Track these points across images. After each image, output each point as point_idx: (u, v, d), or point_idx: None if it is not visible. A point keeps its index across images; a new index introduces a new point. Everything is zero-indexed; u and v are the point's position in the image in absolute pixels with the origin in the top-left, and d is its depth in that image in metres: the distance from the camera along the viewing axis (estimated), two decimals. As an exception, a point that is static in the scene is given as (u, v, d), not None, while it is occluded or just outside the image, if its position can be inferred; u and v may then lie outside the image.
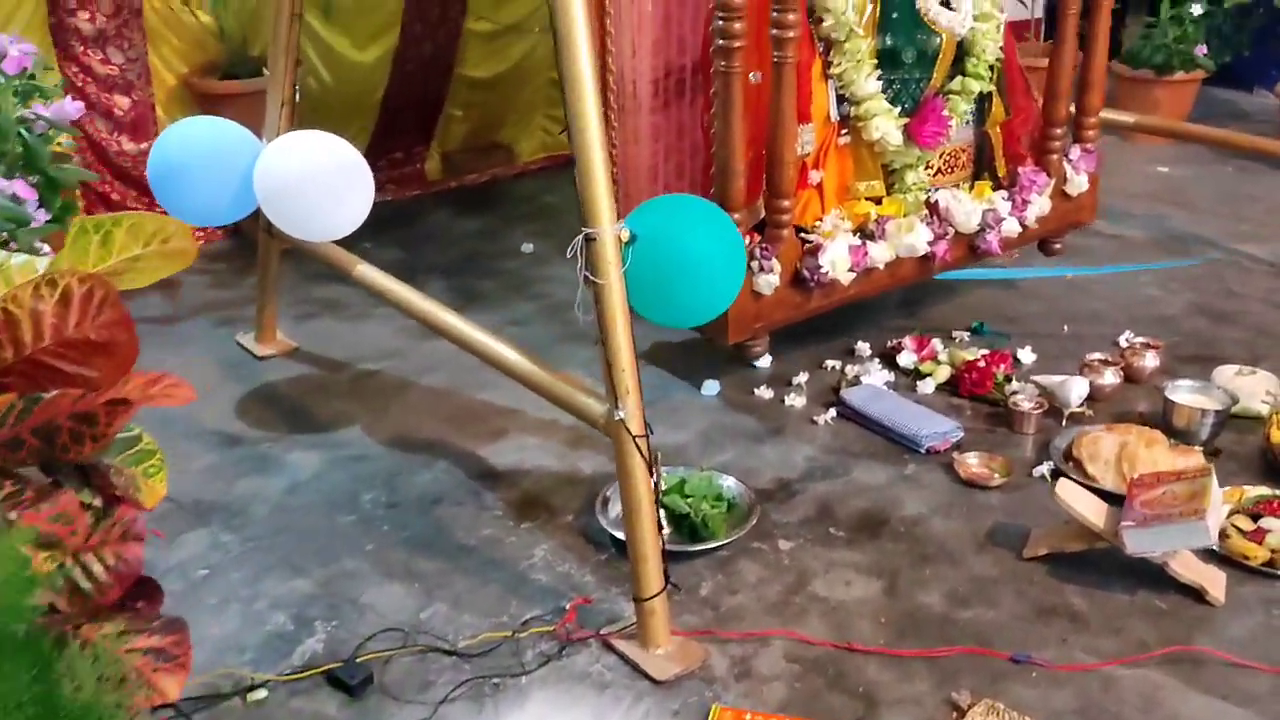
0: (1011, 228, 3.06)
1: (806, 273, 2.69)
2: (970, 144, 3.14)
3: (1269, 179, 4.43)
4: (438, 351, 2.96)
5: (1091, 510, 2.18)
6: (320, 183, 2.54)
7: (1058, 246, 3.38)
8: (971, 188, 3.11)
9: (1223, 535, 2.20)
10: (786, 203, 2.63)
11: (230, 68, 3.66)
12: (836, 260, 2.73)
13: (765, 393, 2.86)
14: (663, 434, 2.68)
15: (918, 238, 2.85)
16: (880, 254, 2.82)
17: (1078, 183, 3.24)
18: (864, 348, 3.07)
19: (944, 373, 2.90)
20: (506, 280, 3.62)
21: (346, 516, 2.40)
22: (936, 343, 3.04)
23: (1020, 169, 3.15)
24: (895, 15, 2.89)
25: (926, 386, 2.88)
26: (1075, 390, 2.71)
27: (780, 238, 2.66)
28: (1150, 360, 2.90)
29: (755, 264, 2.62)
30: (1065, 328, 3.22)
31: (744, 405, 2.83)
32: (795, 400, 2.82)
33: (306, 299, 3.49)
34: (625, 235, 1.90)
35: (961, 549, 2.27)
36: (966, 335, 3.16)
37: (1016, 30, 5.14)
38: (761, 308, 2.68)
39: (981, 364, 2.85)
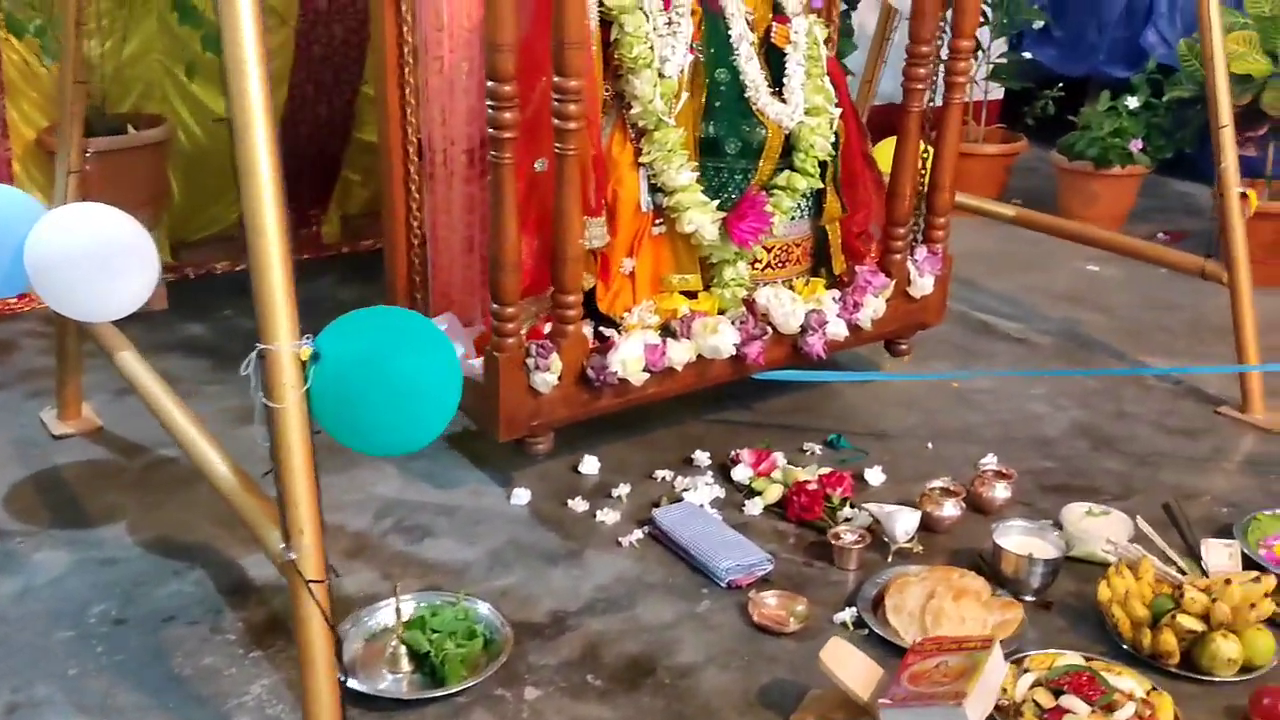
0: (838, 330, 2.88)
1: (591, 372, 2.53)
2: (807, 237, 2.98)
3: (1199, 284, 4.17)
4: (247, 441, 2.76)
5: (860, 677, 1.93)
6: (91, 261, 2.36)
7: (903, 348, 3.22)
8: (806, 283, 2.95)
9: (1015, 713, 1.95)
10: (571, 298, 2.49)
11: (87, 126, 3.51)
12: (628, 360, 2.57)
13: (579, 504, 2.64)
14: (451, 549, 2.49)
15: (722, 339, 2.68)
16: (680, 355, 2.65)
17: (921, 285, 3.06)
18: (703, 457, 2.84)
19: (775, 492, 2.67)
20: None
21: (65, 632, 2.18)
22: (779, 456, 2.80)
23: (858, 268, 2.97)
24: (719, 104, 2.74)
25: (754, 507, 2.64)
26: (902, 523, 2.47)
27: (564, 333, 2.51)
28: (1000, 491, 2.65)
29: (531, 360, 2.46)
30: (930, 445, 2.98)
31: (551, 518, 2.61)
32: (608, 516, 2.59)
33: (141, 371, 3.31)
34: (306, 353, 1.70)
35: (725, 709, 2.03)
36: (819, 448, 2.93)
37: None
38: (540, 405, 2.52)
39: (813, 486, 2.62)
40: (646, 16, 2.56)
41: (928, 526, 2.55)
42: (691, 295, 2.80)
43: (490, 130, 2.25)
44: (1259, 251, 4.00)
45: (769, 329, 2.80)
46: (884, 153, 4.04)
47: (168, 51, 3.63)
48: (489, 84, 2.20)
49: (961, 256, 3.89)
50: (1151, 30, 5.20)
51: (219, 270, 4.03)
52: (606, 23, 2.57)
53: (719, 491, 2.69)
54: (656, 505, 2.62)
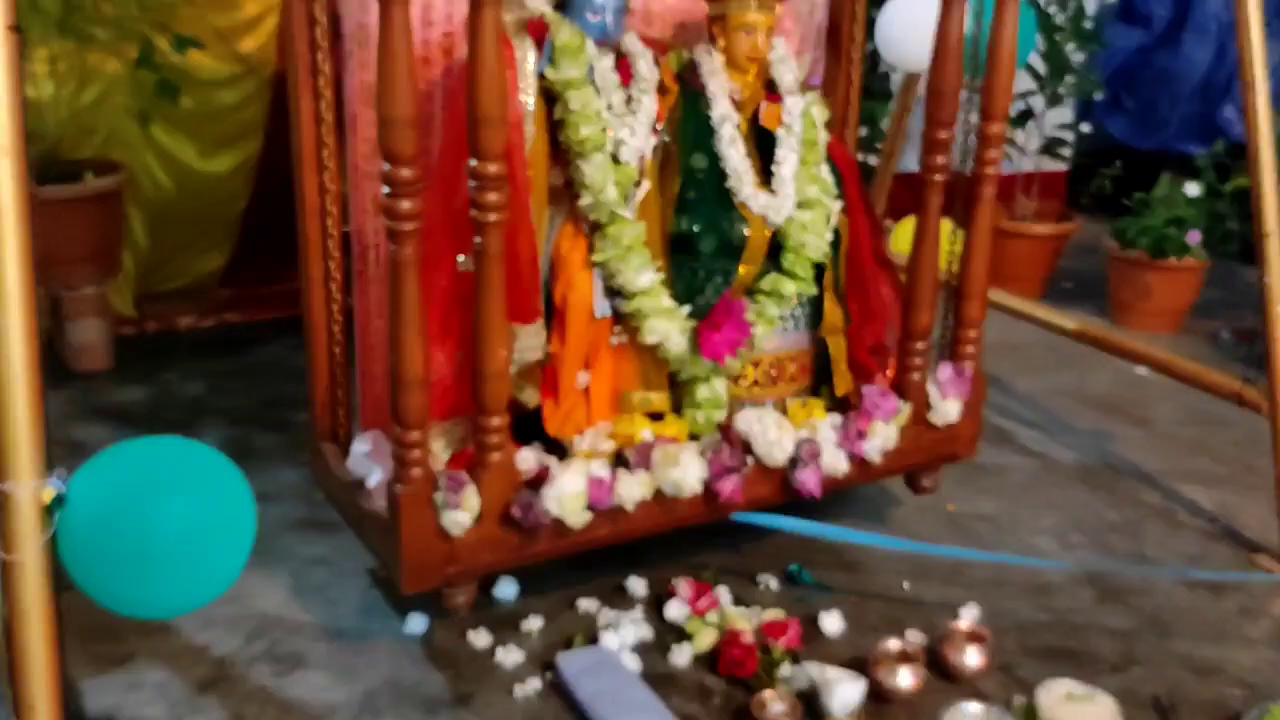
0: (836, 464, 2.44)
1: (517, 511, 2.12)
2: (806, 351, 2.56)
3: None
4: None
5: None
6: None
7: (926, 484, 2.71)
8: (804, 405, 2.52)
9: None
10: (495, 421, 2.09)
11: (38, 172, 3.32)
12: (565, 498, 2.15)
13: (481, 638, 2.30)
14: (320, 686, 2.19)
15: (685, 473, 2.26)
16: (632, 491, 2.23)
17: (943, 410, 2.59)
18: (638, 585, 2.49)
19: (708, 638, 2.29)
20: (297, 436, 3.14)
21: None
22: (723, 591, 2.44)
23: (866, 388, 2.53)
24: (693, 194, 2.37)
25: (681, 655, 2.27)
26: (841, 695, 2.08)
27: (487, 463, 2.11)
28: (972, 657, 2.25)
29: (440, 496, 2.06)
30: (906, 584, 2.58)
31: (444, 654, 2.27)
32: (510, 655, 2.25)
33: (61, 439, 3.08)
34: (50, 495, 1.41)
35: None
36: (775, 581, 2.55)
37: (1006, 184, 4.56)
38: (456, 550, 2.11)
39: (748, 638, 2.24)
40: (599, 92, 2.21)
41: (880, 696, 2.16)
42: (658, 417, 2.40)
43: (387, 222, 1.92)
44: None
45: (749, 460, 2.38)
46: (905, 233, 3.67)
47: (132, 96, 3.42)
48: (384, 166, 1.89)
49: (989, 348, 3.49)
50: (1230, 105, 4.73)
51: (182, 326, 3.81)
52: (553, 98, 2.22)
53: (645, 632, 2.33)
54: (569, 645, 2.28)
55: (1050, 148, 4.33)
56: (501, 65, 1.88)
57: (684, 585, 2.43)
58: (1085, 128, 4.72)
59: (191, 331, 3.80)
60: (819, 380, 2.60)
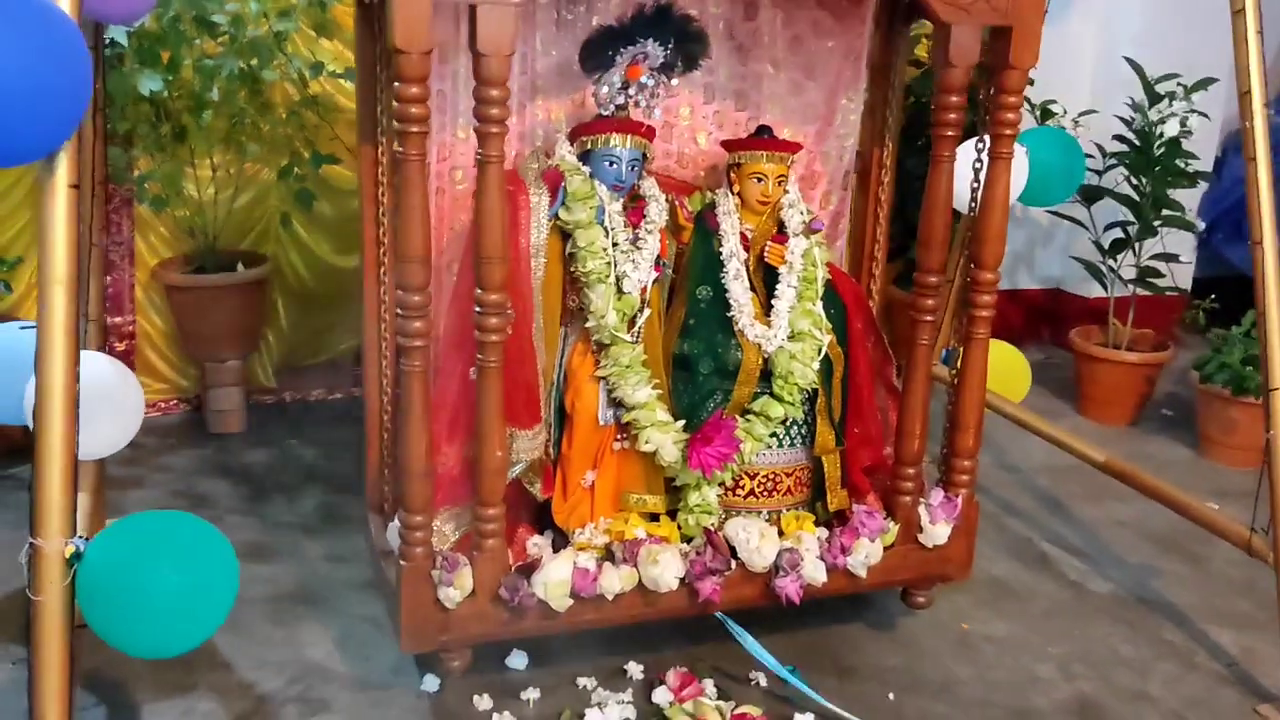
0: (815, 574, 2.64)
1: (505, 593, 2.43)
2: (803, 466, 2.79)
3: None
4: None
5: None
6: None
7: (921, 600, 2.90)
8: (797, 518, 2.76)
9: None
10: (490, 511, 2.42)
11: (200, 261, 3.91)
12: (550, 584, 2.46)
13: (484, 702, 2.59)
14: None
15: (664, 571, 2.52)
16: (613, 584, 2.51)
17: (933, 534, 2.76)
18: (636, 669, 2.73)
19: (682, 726, 2.53)
20: (382, 507, 3.55)
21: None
22: (708, 683, 2.66)
23: (857, 507, 2.74)
24: (695, 321, 2.67)
25: (653, 737, 2.51)
26: (777, 793, 2.26)
27: (482, 547, 2.44)
28: (924, 772, 2.38)
29: (436, 574, 2.41)
30: (892, 696, 2.72)
31: (449, 713, 2.57)
32: (503, 720, 2.55)
33: (185, 491, 3.58)
34: (70, 551, 1.81)
35: None
36: (764, 679, 2.73)
37: (1100, 310, 4.60)
38: (450, 620, 2.45)
39: (714, 729, 2.46)
40: (607, 232, 2.54)
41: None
42: (653, 518, 2.69)
43: (399, 339, 2.30)
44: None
45: (732, 564, 2.61)
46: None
47: (279, 201, 3.98)
48: (398, 293, 2.28)
49: (1061, 471, 3.55)
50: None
51: (314, 398, 4.32)
52: (567, 235, 2.56)
53: (629, 713, 2.57)
54: (559, 717, 2.54)
55: (1143, 276, 4.35)
56: (503, 213, 2.24)
57: (673, 674, 2.66)
58: (1185, 259, 4.69)
59: (322, 402, 4.30)
60: (817, 495, 2.81)
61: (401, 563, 2.41)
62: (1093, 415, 4.55)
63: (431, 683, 2.66)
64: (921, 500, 2.78)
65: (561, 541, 2.67)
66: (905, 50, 3.09)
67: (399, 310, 2.27)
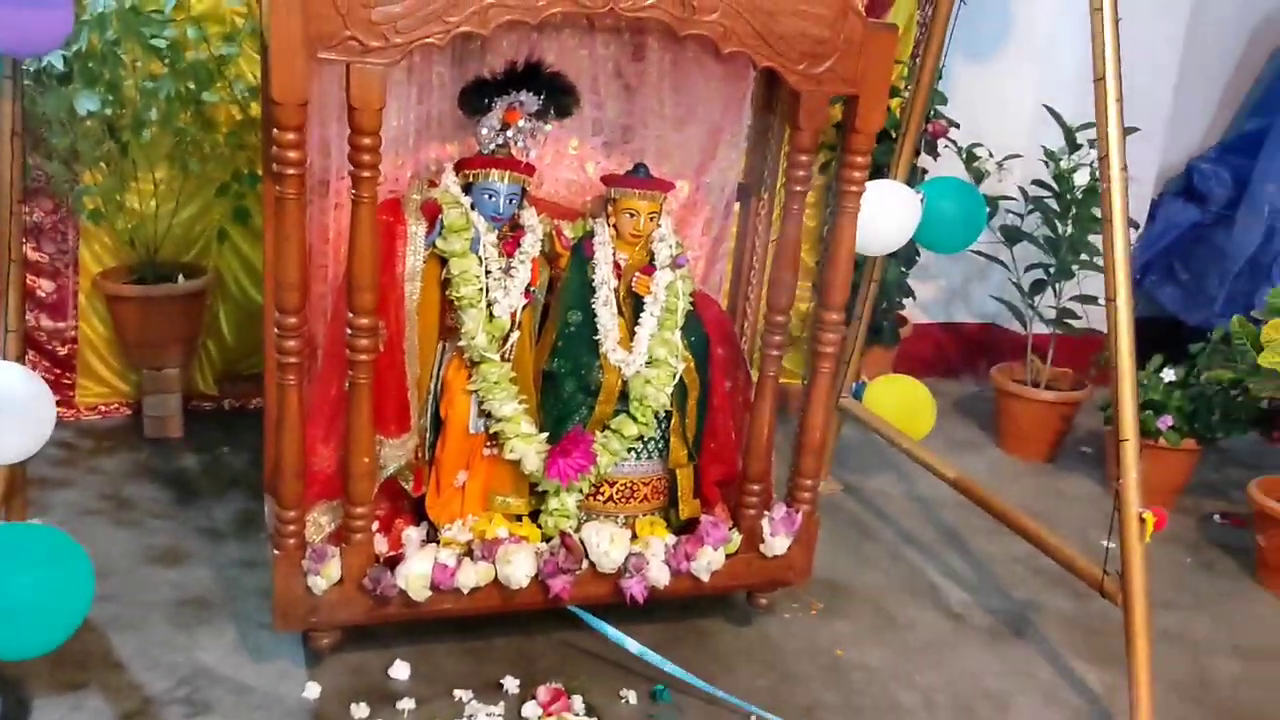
0: (659, 577, 2.87)
1: (369, 583, 2.67)
2: (660, 477, 3.05)
3: (1218, 581, 3.73)
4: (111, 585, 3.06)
5: None
6: None
7: (763, 602, 3.17)
8: (652, 524, 2.99)
9: None
10: (358, 510, 2.65)
11: (141, 272, 4.05)
12: (411, 577, 2.70)
13: (360, 710, 2.72)
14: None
15: (516, 569, 2.75)
16: (469, 579, 2.74)
17: (773, 545, 2.98)
18: (512, 684, 2.86)
19: (542, 738, 2.66)
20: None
21: None
22: (578, 700, 2.79)
23: (704, 517, 2.97)
24: (563, 343, 2.89)
25: (515, 750, 2.65)
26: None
27: (350, 540, 2.68)
28: (764, 791, 2.51)
29: (306, 562, 2.64)
30: (753, 718, 2.84)
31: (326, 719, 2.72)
32: (370, 733, 2.68)
33: (112, 494, 3.72)
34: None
35: None
36: (635, 698, 2.87)
37: (1019, 348, 4.72)
38: (318, 604, 2.69)
39: (569, 746, 2.59)
40: (480, 260, 2.73)
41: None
42: (517, 518, 2.92)
43: (276, 355, 2.49)
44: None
45: (582, 565, 2.84)
46: (875, 392, 3.95)
47: (221, 216, 4.12)
48: (276, 314, 2.46)
49: (968, 505, 3.63)
50: (1268, 286, 4.73)
51: (252, 405, 4.45)
52: (445, 261, 2.75)
53: (496, 725, 2.72)
54: (429, 727, 2.68)
55: (1060, 318, 4.48)
56: (374, 247, 2.40)
57: (544, 690, 2.79)
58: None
59: (260, 410, 4.42)
60: (672, 503, 3.05)
61: (275, 552, 2.65)
62: (1012, 450, 4.67)
63: (313, 690, 2.79)
64: (765, 514, 2.99)
65: (435, 533, 2.90)
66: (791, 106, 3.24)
67: (277, 330, 2.44)
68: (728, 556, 2.94)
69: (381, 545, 2.81)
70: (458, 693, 2.82)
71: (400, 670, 2.87)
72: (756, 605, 3.18)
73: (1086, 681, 3.11)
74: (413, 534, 2.88)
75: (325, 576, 2.65)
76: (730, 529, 2.96)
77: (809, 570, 3.11)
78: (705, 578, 2.92)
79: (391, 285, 2.63)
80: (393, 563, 2.74)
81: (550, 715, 2.72)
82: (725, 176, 3.18)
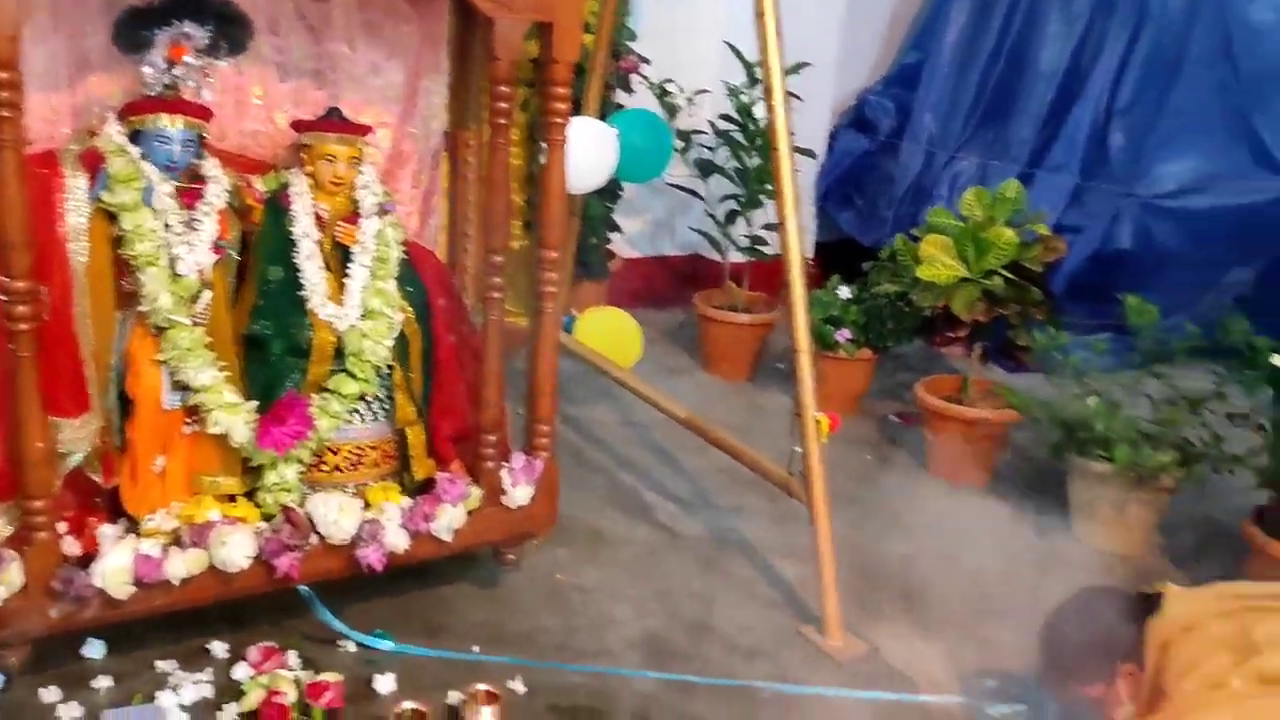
0: (397, 542, 2.75)
1: (59, 585, 2.40)
2: (389, 439, 2.91)
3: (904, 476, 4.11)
4: None
5: None
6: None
7: (510, 557, 3.07)
8: (384, 490, 2.85)
9: None
10: (38, 504, 2.39)
11: None
12: (109, 573, 2.45)
13: (51, 694, 2.55)
14: None
15: (232, 551, 2.56)
16: (179, 568, 2.52)
17: (515, 495, 2.94)
18: (219, 648, 2.76)
19: (256, 697, 2.56)
20: None
21: None
22: (292, 655, 2.73)
23: (440, 475, 2.88)
24: (265, 302, 2.70)
25: (228, 714, 2.55)
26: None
27: (31, 540, 2.40)
28: (486, 717, 2.56)
29: None
30: (476, 649, 2.88)
31: (11, 708, 2.51)
32: (69, 712, 2.48)
33: None
34: None
35: None
36: (352, 645, 2.84)
37: (716, 274, 4.96)
38: (2, 616, 2.39)
39: (287, 697, 2.53)
40: (156, 214, 2.52)
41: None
42: (231, 499, 2.71)
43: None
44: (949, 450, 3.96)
45: (310, 539, 2.68)
46: (585, 324, 4.03)
47: None
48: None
49: (676, 426, 3.77)
50: (930, 207, 5.18)
51: None
52: (114, 217, 2.51)
53: (206, 692, 2.60)
54: (130, 702, 2.55)
55: (753, 245, 4.73)
56: (24, 198, 2.19)
57: (254, 650, 2.71)
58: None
59: None
60: (404, 465, 2.93)
61: (-60, 566, 2.34)
62: (715, 371, 4.93)
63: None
64: (504, 464, 2.94)
65: (135, 527, 2.64)
66: (485, 35, 3.22)
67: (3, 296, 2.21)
68: (469, 513, 2.86)
69: (74, 548, 2.52)
70: (160, 664, 2.69)
71: (93, 649, 2.71)
72: (505, 562, 3.07)
73: (782, 575, 3.35)
74: (108, 530, 2.57)
75: (4, 584, 2.34)
76: (469, 484, 2.87)
77: (554, 518, 3.05)
78: (448, 538, 2.81)
79: (52, 246, 2.37)
80: (88, 562, 2.46)
81: (263, 674, 2.65)
82: (429, 126, 3.08)
